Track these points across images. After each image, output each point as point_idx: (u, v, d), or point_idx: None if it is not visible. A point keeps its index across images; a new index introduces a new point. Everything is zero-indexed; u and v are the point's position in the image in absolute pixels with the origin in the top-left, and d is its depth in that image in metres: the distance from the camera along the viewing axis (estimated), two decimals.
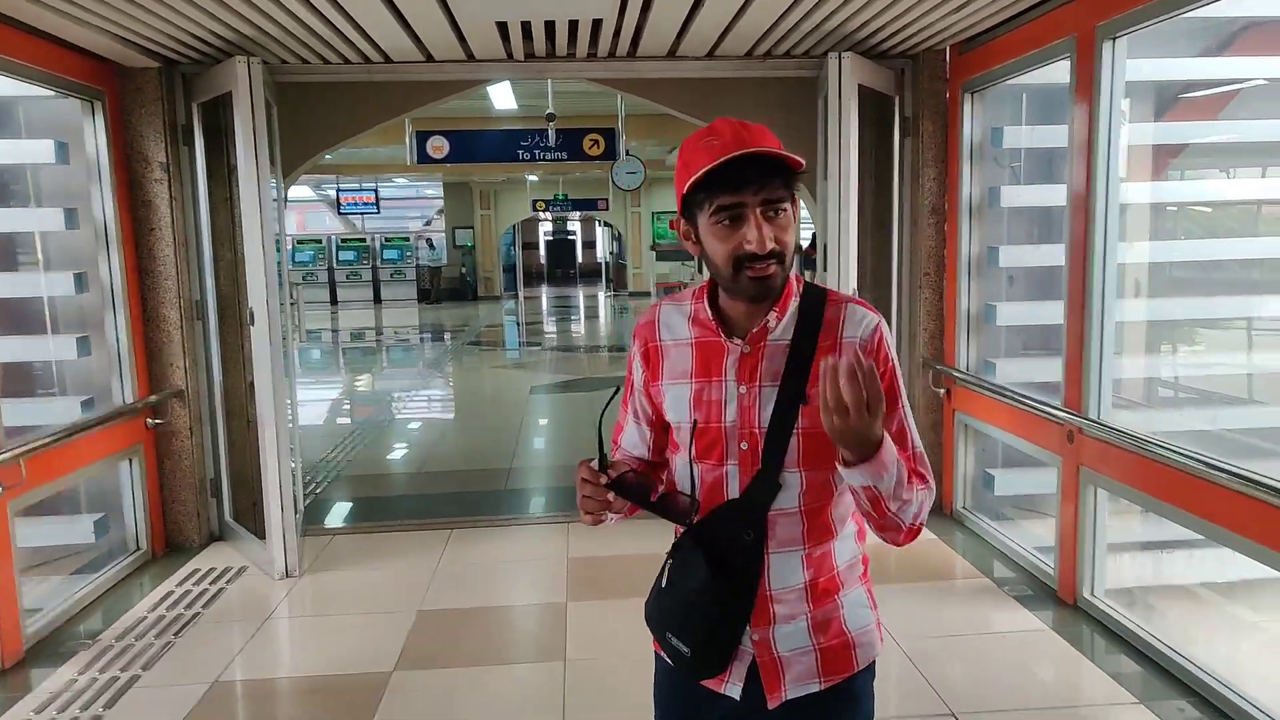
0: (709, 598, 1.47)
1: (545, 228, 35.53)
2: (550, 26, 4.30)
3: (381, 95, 5.03)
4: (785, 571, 1.49)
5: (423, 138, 8.40)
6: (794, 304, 1.51)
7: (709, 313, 1.52)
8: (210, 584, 4.38)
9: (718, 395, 1.51)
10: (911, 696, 3.22)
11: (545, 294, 28.66)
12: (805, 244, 8.70)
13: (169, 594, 4.26)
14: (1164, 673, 3.32)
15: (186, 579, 4.45)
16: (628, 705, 3.07)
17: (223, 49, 4.34)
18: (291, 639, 3.94)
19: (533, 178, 23.09)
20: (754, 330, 1.49)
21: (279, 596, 4.23)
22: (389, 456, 7.63)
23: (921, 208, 5.03)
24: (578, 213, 27.07)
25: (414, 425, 8.99)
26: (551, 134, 8.58)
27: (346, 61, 4.76)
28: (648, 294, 23.18)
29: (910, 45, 4.73)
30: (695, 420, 1.52)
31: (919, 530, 1.45)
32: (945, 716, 3.07)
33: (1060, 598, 4.00)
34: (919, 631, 3.71)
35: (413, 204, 27.54)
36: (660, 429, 1.63)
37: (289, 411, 4.55)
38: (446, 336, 17.16)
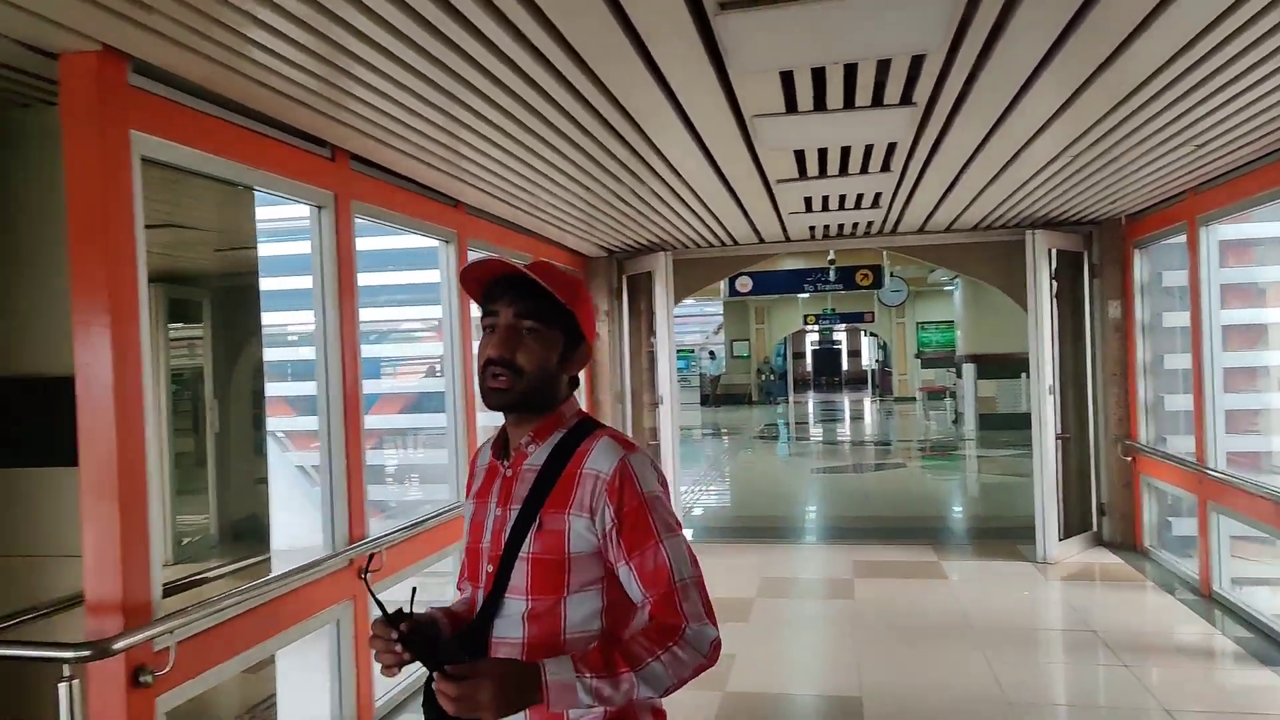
0: None
1: (812, 338, 38.02)
2: (840, 226, 6.98)
3: (728, 261, 7.96)
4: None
5: (733, 278, 11.36)
6: (559, 434, 1.53)
7: (496, 438, 1.59)
8: None
9: (482, 516, 1.55)
10: (1074, 632, 5.29)
11: (812, 400, 31.00)
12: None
13: None
14: (1258, 631, 5.16)
15: None
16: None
17: (646, 246, 7.42)
18: None
19: (803, 295, 25.89)
20: (515, 455, 1.54)
21: None
22: (722, 503, 10.35)
23: (1108, 326, 7.08)
24: (844, 325, 29.41)
25: (733, 484, 11.71)
26: (831, 272, 11.24)
27: (711, 245, 7.70)
28: (913, 399, 24.89)
29: (1092, 218, 6.91)
30: (467, 541, 1.57)
31: (700, 669, 1.42)
32: (1090, 631, 5.14)
33: (1200, 591, 5.81)
34: (1103, 604, 5.75)
35: (695, 320, 31.16)
36: None
37: (676, 458, 7.37)
38: (725, 436, 19.99)
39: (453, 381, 5.25)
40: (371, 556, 1.94)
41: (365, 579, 1.54)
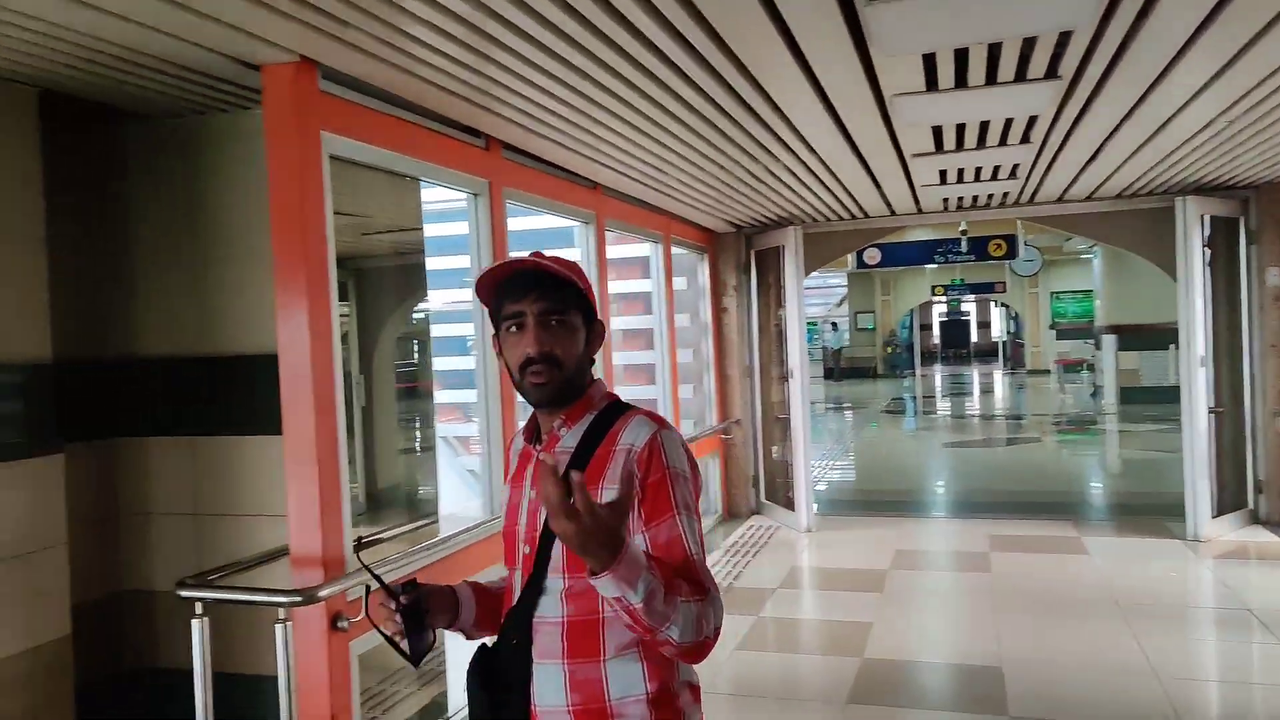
0: (483, 712, 1.54)
1: (939, 309, 36.96)
2: (974, 197, 6.86)
3: (858, 234, 7.94)
4: (548, 687, 1.49)
5: (861, 250, 11.25)
6: (590, 416, 1.56)
7: (527, 425, 1.64)
8: (763, 533, 7.35)
9: (517, 499, 1.60)
10: (1228, 610, 5.13)
11: (940, 373, 30.22)
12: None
13: (743, 535, 7.31)
14: None
15: (747, 530, 7.48)
16: None
17: (775, 220, 7.48)
18: (818, 554, 6.72)
19: (931, 266, 25.19)
20: (548, 438, 1.58)
21: (804, 540, 7.07)
22: (849, 478, 10.37)
23: (1266, 295, 6.73)
24: (973, 295, 28.49)
25: (860, 459, 11.69)
26: (963, 242, 10.98)
27: (840, 219, 7.69)
28: (1047, 371, 23.98)
29: (1249, 181, 6.56)
30: (503, 524, 1.62)
31: (705, 645, 1.40)
32: (1244, 610, 4.98)
33: None
34: (1259, 583, 5.58)
35: (818, 293, 30.81)
36: None
37: (806, 431, 7.45)
38: (849, 411, 19.78)
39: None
40: (360, 540, 2.09)
41: (359, 555, 1.62)
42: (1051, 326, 24.59)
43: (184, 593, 3.05)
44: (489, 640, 1.63)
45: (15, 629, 3.25)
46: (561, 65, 3.23)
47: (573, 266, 1.57)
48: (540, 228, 6.10)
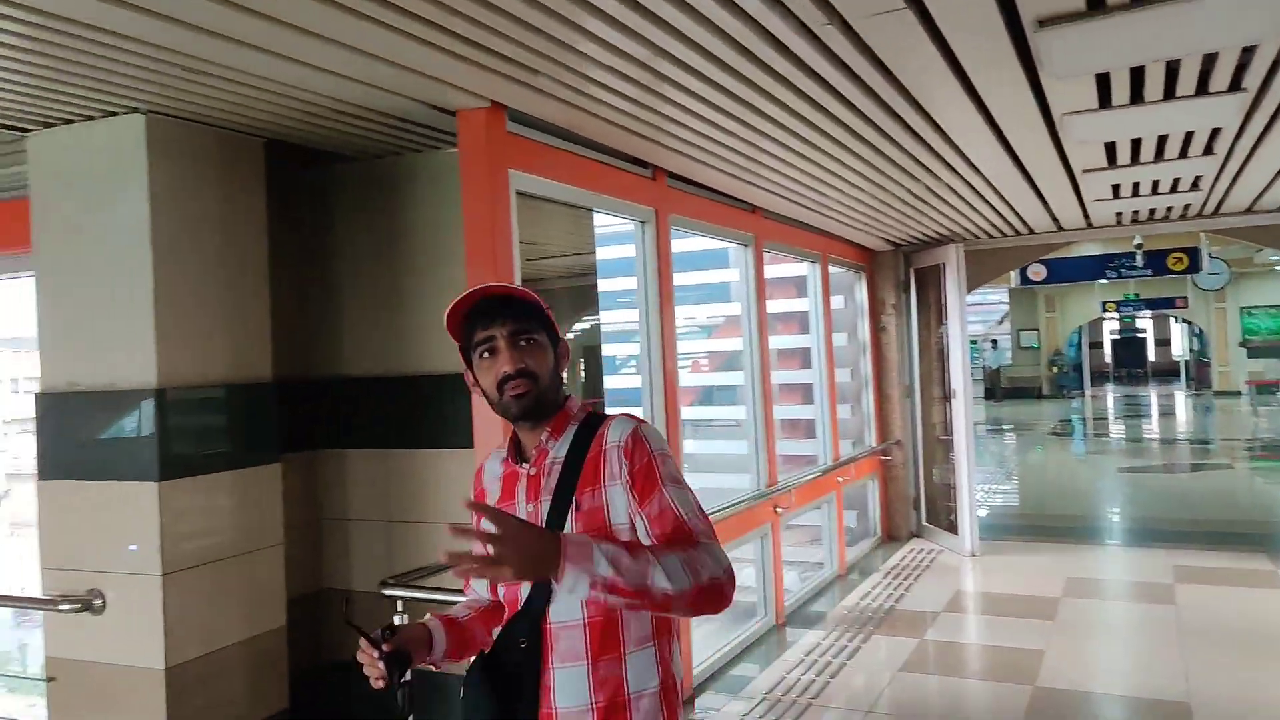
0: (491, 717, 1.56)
1: (1111, 326, 34.81)
2: (1151, 210, 6.56)
3: (1022, 250, 7.72)
4: (570, 689, 1.53)
5: (1025, 266, 10.85)
6: (573, 427, 1.66)
7: (509, 448, 1.71)
8: (924, 556, 7.21)
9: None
10: None
11: (1112, 393, 28.45)
12: None
13: (903, 557, 7.19)
14: None
15: (908, 553, 7.35)
16: None
17: (935, 238, 7.37)
18: (984, 579, 6.54)
19: (1102, 281, 23.83)
20: (536, 453, 1.65)
21: (968, 564, 6.89)
22: (1014, 502, 10.00)
23: None
24: (1150, 311, 26.72)
25: (1028, 483, 11.23)
26: (1138, 256, 10.41)
27: (1004, 235, 7.50)
28: (1237, 393, 22.21)
29: None
30: None
31: (716, 587, 1.45)
32: None
33: None
34: None
35: (977, 310, 29.63)
36: None
37: (971, 453, 7.27)
38: (1011, 432, 18.93)
39: (751, 375, 5.58)
40: (348, 600, 2.10)
41: (346, 613, 1.68)
42: (1242, 344, 22.74)
43: (387, 591, 3.36)
44: (484, 648, 1.69)
45: (240, 618, 3.65)
46: (727, 97, 3.38)
47: (532, 293, 1.68)
48: (696, 249, 6.29)
